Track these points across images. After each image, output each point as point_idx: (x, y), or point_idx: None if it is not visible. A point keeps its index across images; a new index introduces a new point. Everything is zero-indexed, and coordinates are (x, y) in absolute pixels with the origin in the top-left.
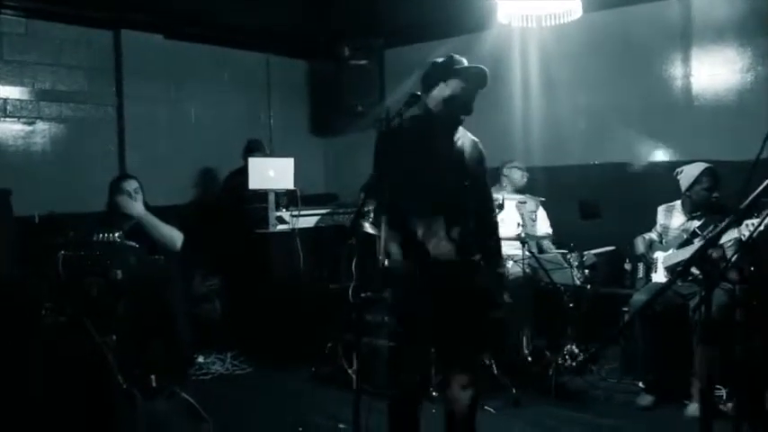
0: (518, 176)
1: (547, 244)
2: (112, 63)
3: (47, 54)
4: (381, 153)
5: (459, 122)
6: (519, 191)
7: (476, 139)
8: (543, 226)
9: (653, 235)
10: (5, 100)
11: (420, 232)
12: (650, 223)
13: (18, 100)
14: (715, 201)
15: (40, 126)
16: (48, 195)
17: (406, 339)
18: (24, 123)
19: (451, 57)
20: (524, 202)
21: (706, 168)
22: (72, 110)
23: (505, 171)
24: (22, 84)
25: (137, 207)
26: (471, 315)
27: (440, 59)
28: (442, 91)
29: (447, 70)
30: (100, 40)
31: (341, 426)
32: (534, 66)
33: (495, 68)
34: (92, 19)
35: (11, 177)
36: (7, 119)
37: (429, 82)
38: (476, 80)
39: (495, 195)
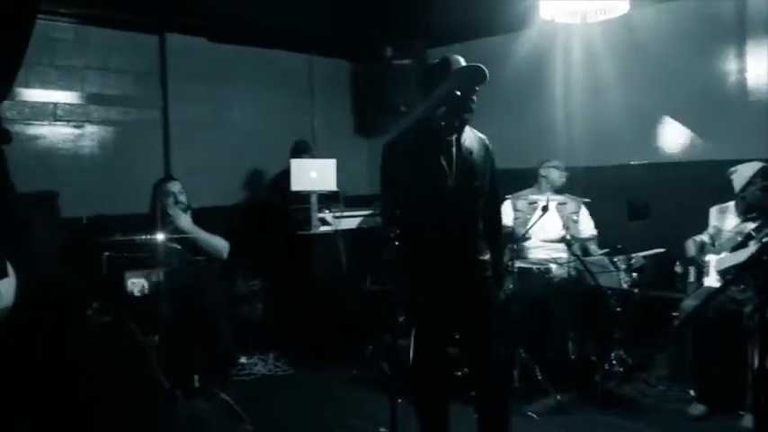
0: (556, 176)
1: (593, 248)
2: (158, 66)
3: (95, 59)
4: (389, 161)
5: (465, 122)
6: (558, 191)
7: (483, 137)
8: (587, 227)
9: (704, 237)
10: (56, 104)
11: (431, 236)
12: (702, 225)
13: (68, 104)
14: None
15: (89, 129)
16: (96, 197)
17: (422, 339)
18: (74, 127)
19: (447, 58)
20: (564, 203)
21: (761, 168)
22: (119, 113)
23: (543, 171)
24: (71, 88)
25: (185, 220)
26: (486, 313)
27: (435, 61)
28: (441, 93)
29: (443, 72)
30: (146, 44)
31: (381, 429)
32: (579, 63)
33: (537, 66)
34: (138, 24)
35: (61, 179)
36: (57, 122)
37: (427, 85)
38: (473, 78)
39: (537, 197)
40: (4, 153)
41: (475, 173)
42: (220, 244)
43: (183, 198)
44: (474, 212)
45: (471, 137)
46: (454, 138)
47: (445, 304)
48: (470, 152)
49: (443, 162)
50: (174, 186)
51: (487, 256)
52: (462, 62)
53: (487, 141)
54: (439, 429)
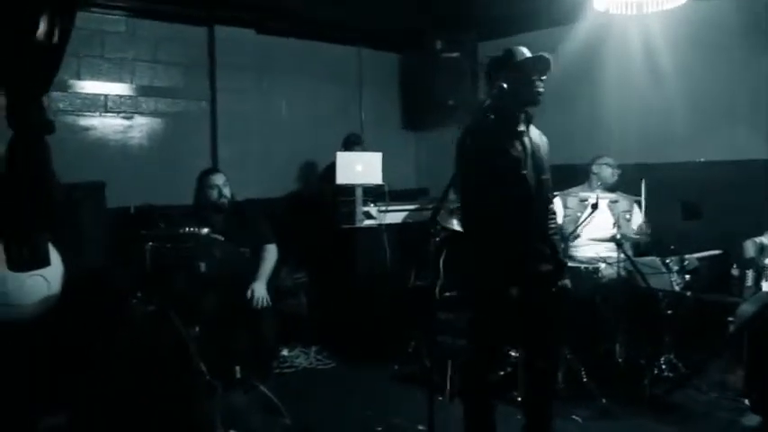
0: (608, 174)
1: (644, 243)
2: (206, 59)
3: (145, 51)
4: (463, 154)
5: (530, 116)
6: (609, 189)
7: (539, 132)
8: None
9: (765, 239)
10: (106, 96)
11: (507, 227)
12: (762, 227)
13: (118, 96)
14: None
15: (138, 121)
16: (144, 188)
17: (486, 339)
18: (123, 118)
19: (510, 50)
20: (616, 201)
21: None
22: (168, 105)
23: (595, 168)
24: (121, 80)
25: (262, 289)
26: (552, 311)
27: (498, 54)
28: (505, 86)
29: (505, 64)
30: (194, 36)
31: (420, 428)
32: (633, 57)
33: (590, 60)
34: (187, 16)
35: (110, 170)
36: (108, 114)
37: (492, 77)
38: (535, 69)
39: (588, 194)
40: (47, 143)
41: (543, 166)
42: (273, 256)
43: (226, 191)
44: (543, 205)
45: (535, 132)
46: (521, 131)
47: (513, 300)
48: (538, 146)
49: (520, 151)
50: (218, 179)
51: (548, 251)
52: (527, 53)
53: (544, 137)
54: (488, 428)
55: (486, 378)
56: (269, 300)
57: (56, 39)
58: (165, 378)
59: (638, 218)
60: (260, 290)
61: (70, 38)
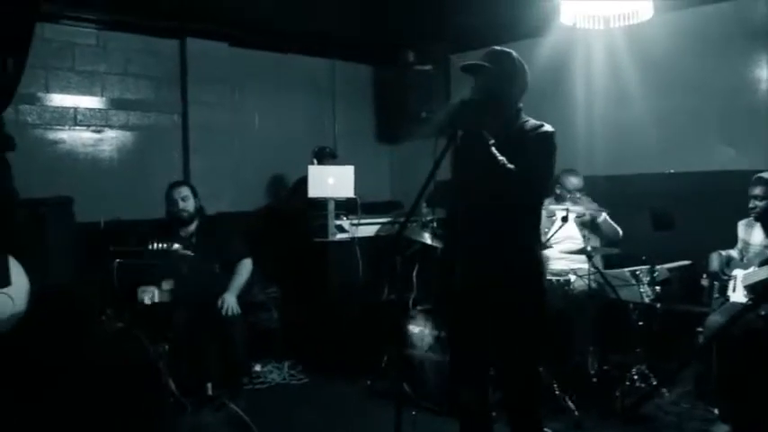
0: (574, 184)
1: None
2: (178, 71)
3: (115, 64)
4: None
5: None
6: (575, 201)
7: (535, 130)
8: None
9: (733, 252)
10: (76, 109)
11: (469, 241)
12: (730, 236)
13: (88, 109)
14: None
15: (109, 134)
16: (115, 202)
17: (462, 353)
18: (93, 131)
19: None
20: (583, 215)
21: (755, 177)
22: (139, 118)
23: (562, 180)
24: (91, 93)
25: (233, 300)
26: (523, 323)
27: None
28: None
29: None
30: (166, 49)
31: None
32: (601, 70)
33: (558, 73)
34: (158, 29)
35: (80, 184)
36: (77, 127)
37: None
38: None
39: (554, 207)
40: (6, 160)
41: (490, 174)
42: (245, 272)
43: (185, 204)
44: (505, 214)
45: (513, 134)
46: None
47: (487, 318)
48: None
49: (473, 164)
50: (178, 193)
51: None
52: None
53: (538, 132)
54: None
55: (469, 400)
56: (238, 309)
57: (9, 68)
58: (134, 397)
59: (605, 224)
60: (230, 299)
61: (25, 67)
